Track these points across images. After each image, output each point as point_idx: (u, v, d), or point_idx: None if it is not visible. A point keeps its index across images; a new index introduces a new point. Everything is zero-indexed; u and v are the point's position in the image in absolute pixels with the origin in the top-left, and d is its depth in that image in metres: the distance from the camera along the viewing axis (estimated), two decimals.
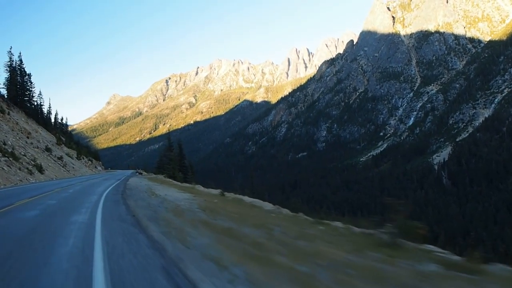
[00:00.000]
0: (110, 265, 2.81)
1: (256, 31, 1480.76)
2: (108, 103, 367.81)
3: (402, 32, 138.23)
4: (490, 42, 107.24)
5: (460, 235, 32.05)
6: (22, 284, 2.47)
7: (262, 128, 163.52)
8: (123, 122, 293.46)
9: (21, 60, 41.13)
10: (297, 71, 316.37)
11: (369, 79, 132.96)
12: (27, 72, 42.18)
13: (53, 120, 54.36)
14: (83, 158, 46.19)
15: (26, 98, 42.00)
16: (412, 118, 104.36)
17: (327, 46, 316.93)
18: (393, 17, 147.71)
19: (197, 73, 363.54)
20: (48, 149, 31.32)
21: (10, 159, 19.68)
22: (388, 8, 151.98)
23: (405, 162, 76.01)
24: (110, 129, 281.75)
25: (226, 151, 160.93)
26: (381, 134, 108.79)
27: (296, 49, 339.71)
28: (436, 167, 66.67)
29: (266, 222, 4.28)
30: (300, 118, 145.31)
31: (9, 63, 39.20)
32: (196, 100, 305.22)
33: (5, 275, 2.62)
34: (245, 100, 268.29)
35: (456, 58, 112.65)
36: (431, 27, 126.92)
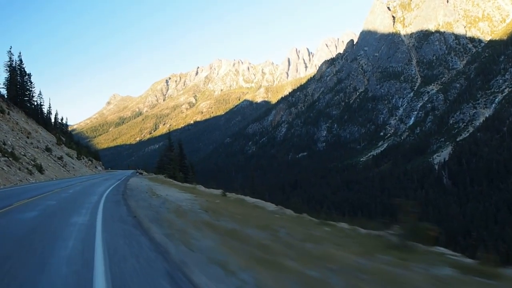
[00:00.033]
0: (111, 269, 2.71)
1: (256, 31, 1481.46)
2: (108, 103, 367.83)
3: (402, 32, 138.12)
4: (490, 41, 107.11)
5: (460, 235, 31.99)
6: None
7: (262, 128, 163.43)
8: (123, 122, 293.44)
9: (21, 60, 41.08)
10: (297, 71, 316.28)
11: (369, 79, 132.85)
12: (27, 72, 42.14)
13: (53, 120, 54.28)
14: (83, 158, 46.11)
15: (26, 98, 41.92)
16: (413, 118, 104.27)
17: (327, 46, 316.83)
18: (393, 16, 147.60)
19: (197, 73, 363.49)
20: (48, 149, 31.24)
21: (10, 159, 19.59)
22: (388, 8, 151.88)
23: (406, 162, 75.93)
24: (110, 129, 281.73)
25: (226, 151, 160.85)
26: (382, 134, 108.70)
27: (296, 49, 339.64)
28: (436, 167, 66.60)
29: (271, 223, 4.17)
30: (300, 118, 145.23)
31: (9, 63, 39.14)
32: (196, 100, 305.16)
33: (0, 281, 2.52)
34: (245, 100, 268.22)
35: (456, 58, 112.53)
36: (432, 27, 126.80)
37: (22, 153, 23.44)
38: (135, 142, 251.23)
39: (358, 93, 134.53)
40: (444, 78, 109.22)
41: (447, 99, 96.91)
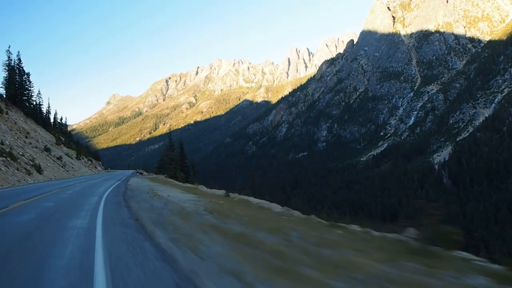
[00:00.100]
0: (113, 282, 2.45)
1: (256, 31, 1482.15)
2: (108, 103, 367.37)
3: (402, 32, 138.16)
4: (490, 41, 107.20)
5: (461, 234, 31.86)
6: None
7: (262, 128, 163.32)
8: (123, 122, 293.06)
9: (19, 59, 40.80)
10: (297, 71, 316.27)
11: (370, 79, 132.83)
12: (25, 71, 41.87)
13: (52, 120, 54.01)
14: (83, 158, 45.87)
15: (25, 98, 41.67)
16: (413, 118, 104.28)
17: (327, 46, 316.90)
18: (393, 16, 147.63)
19: (197, 73, 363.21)
20: (47, 149, 31.01)
21: (8, 159, 19.38)
22: (388, 8, 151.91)
23: (406, 162, 75.90)
24: (110, 129, 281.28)
25: (226, 151, 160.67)
26: (382, 133, 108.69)
27: (296, 49, 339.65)
28: (436, 166, 66.57)
29: (280, 226, 3.97)
30: (301, 118, 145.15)
31: (7, 62, 38.86)
32: (196, 100, 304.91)
33: None
34: (245, 100, 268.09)
35: (456, 58, 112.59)
36: (431, 27, 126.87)
37: (21, 153, 23.22)
38: (135, 142, 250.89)
39: (358, 93, 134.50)
40: (444, 78, 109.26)
41: (447, 99, 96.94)
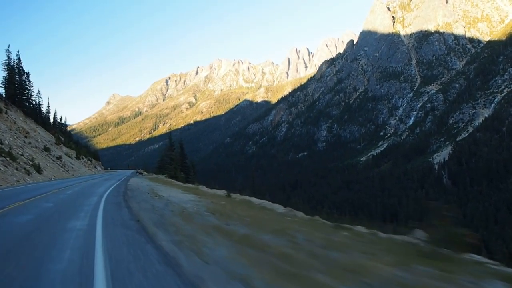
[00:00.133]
0: None
1: (256, 31, 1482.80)
2: (108, 103, 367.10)
3: (402, 32, 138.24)
4: (489, 42, 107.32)
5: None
6: None
7: (262, 128, 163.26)
8: (122, 122, 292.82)
9: (19, 59, 40.65)
10: (297, 71, 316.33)
11: (369, 79, 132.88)
12: (25, 71, 41.72)
13: (52, 120, 53.88)
14: (83, 158, 45.75)
15: (24, 97, 41.53)
16: (412, 118, 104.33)
17: (327, 46, 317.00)
18: (393, 17, 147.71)
19: (197, 73, 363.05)
20: (46, 149, 30.89)
21: (7, 159, 19.27)
22: (388, 8, 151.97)
23: (406, 162, 75.91)
24: (110, 129, 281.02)
25: (226, 151, 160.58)
26: (382, 134, 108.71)
27: (296, 49, 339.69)
28: (436, 166, 66.58)
29: (285, 228, 3.87)
30: (300, 118, 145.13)
31: (7, 61, 38.72)
32: (196, 100, 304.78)
33: None
34: (245, 100, 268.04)
35: (456, 58, 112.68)
36: (431, 27, 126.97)
37: (20, 152, 23.11)
38: (134, 142, 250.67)
39: (358, 93, 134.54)
40: (443, 78, 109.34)
41: (447, 99, 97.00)
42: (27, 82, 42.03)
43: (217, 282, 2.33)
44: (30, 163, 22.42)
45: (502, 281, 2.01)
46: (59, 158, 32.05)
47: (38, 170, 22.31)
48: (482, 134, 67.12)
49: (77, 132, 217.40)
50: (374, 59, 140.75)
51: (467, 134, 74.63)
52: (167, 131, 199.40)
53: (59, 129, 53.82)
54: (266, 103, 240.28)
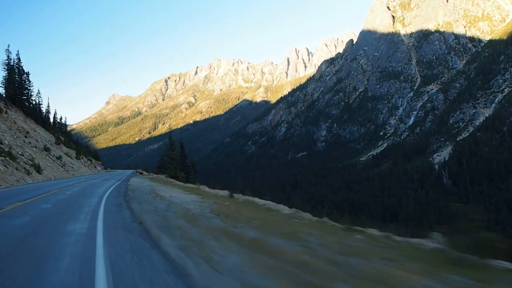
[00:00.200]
0: None
1: (255, 31, 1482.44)
2: (108, 103, 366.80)
3: (402, 32, 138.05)
4: (490, 41, 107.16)
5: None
6: None
7: (261, 127, 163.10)
8: (122, 122, 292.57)
9: (19, 59, 40.47)
10: (296, 70, 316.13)
11: (369, 79, 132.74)
12: (25, 71, 41.58)
13: (52, 120, 53.75)
14: (82, 158, 45.63)
15: (24, 97, 41.38)
16: (412, 118, 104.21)
17: (326, 46, 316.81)
18: (393, 16, 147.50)
19: (196, 73, 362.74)
20: (46, 149, 30.78)
21: (7, 158, 19.15)
22: (388, 8, 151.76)
23: (406, 162, 75.80)
24: (110, 129, 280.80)
25: (225, 151, 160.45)
26: (381, 133, 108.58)
27: (296, 49, 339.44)
28: (436, 166, 66.47)
29: (295, 231, 3.70)
30: (300, 117, 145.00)
31: (7, 61, 38.57)
32: (195, 99, 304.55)
33: None
34: (244, 100, 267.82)
35: (456, 58, 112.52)
36: (431, 27, 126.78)
37: (20, 152, 23.00)
38: (134, 142, 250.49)
39: (357, 93, 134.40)
40: (444, 78, 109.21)
41: (447, 98, 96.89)
42: (27, 82, 41.89)
43: None
44: (30, 163, 22.30)
45: None
46: (59, 158, 31.93)
47: (38, 170, 22.19)
48: (483, 133, 67.03)
49: (77, 132, 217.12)
50: (374, 59, 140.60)
51: (468, 134, 74.53)
52: (167, 131, 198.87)
53: (59, 129, 53.69)
54: (265, 103, 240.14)
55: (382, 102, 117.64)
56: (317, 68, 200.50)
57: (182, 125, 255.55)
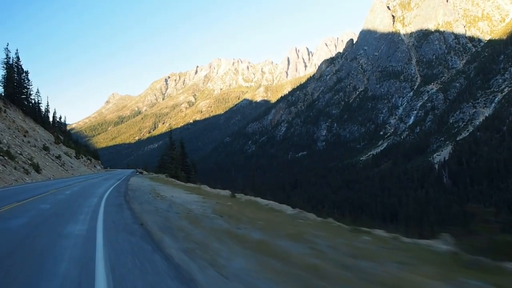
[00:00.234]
0: None
1: (255, 31, 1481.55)
2: (107, 102, 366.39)
3: (402, 31, 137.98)
4: (490, 41, 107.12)
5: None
6: None
7: (261, 127, 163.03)
8: (122, 121, 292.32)
9: (18, 57, 40.30)
10: (296, 70, 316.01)
11: (369, 78, 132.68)
12: (24, 70, 41.41)
13: (51, 119, 53.59)
14: (82, 157, 45.49)
15: (23, 96, 41.23)
16: (412, 117, 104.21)
17: (326, 46, 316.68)
18: (393, 16, 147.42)
19: (196, 72, 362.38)
20: (45, 148, 30.65)
21: (5, 158, 19.03)
22: (388, 7, 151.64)
23: (406, 161, 75.81)
24: (109, 128, 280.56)
25: (225, 150, 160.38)
26: (381, 133, 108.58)
27: (296, 48, 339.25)
28: (436, 166, 66.48)
29: (300, 232, 3.62)
30: (300, 117, 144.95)
31: (5, 60, 38.40)
32: (195, 99, 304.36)
33: None
34: (244, 99, 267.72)
35: (456, 57, 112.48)
36: (431, 26, 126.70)
37: (19, 152, 22.88)
38: (134, 141, 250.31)
39: (357, 92, 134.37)
40: (443, 78, 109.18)
41: (447, 98, 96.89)
42: (26, 81, 41.74)
43: None
44: (29, 162, 22.19)
45: None
46: (58, 157, 31.81)
47: (37, 169, 22.08)
48: (483, 133, 67.03)
49: (76, 132, 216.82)
50: (374, 58, 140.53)
51: (468, 133, 74.54)
52: (167, 130, 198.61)
53: (58, 128, 53.54)
54: (265, 102, 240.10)
55: (382, 102, 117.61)
56: (317, 67, 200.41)
57: (182, 125, 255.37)
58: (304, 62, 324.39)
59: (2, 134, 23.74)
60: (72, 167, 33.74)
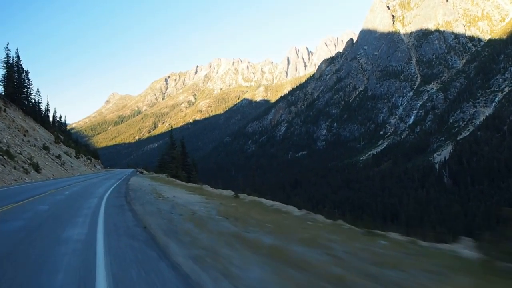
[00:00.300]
0: None
1: (255, 30, 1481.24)
2: (107, 102, 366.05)
3: (402, 31, 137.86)
4: (490, 40, 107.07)
5: (463, 234, 31.64)
6: None
7: (261, 127, 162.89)
8: (122, 121, 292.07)
9: (18, 57, 40.07)
10: (296, 70, 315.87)
11: (369, 78, 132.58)
12: (24, 69, 41.20)
13: (51, 118, 53.38)
14: (82, 157, 45.31)
15: (23, 96, 41.02)
16: (413, 117, 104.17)
17: (326, 45, 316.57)
18: (393, 15, 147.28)
19: (196, 72, 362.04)
20: (45, 148, 30.49)
21: (5, 157, 18.87)
22: (388, 7, 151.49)
23: (406, 161, 75.74)
24: (109, 128, 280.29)
25: (225, 150, 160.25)
26: (381, 133, 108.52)
27: (296, 48, 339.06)
28: (437, 166, 66.42)
29: (314, 236, 3.42)
30: (300, 117, 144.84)
31: (6, 59, 38.19)
32: (195, 98, 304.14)
33: None
34: (244, 99, 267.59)
35: (456, 57, 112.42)
36: (431, 26, 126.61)
37: (18, 151, 22.72)
38: (134, 141, 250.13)
39: (357, 92, 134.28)
40: (444, 77, 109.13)
41: (447, 98, 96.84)
42: (26, 80, 41.53)
43: None
44: (29, 162, 22.03)
45: None
46: (58, 157, 31.65)
47: (37, 169, 21.92)
48: (483, 133, 66.97)
49: (76, 131, 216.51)
50: (374, 58, 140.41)
51: (468, 133, 74.50)
52: (167, 130, 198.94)
53: (58, 128, 53.33)
54: (265, 102, 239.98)
55: (382, 101, 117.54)
56: (317, 67, 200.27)
57: (182, 124, 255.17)
58: (304, 62, 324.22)
59: (1, 134, 23.58)
60: (72, 166, 33.58)
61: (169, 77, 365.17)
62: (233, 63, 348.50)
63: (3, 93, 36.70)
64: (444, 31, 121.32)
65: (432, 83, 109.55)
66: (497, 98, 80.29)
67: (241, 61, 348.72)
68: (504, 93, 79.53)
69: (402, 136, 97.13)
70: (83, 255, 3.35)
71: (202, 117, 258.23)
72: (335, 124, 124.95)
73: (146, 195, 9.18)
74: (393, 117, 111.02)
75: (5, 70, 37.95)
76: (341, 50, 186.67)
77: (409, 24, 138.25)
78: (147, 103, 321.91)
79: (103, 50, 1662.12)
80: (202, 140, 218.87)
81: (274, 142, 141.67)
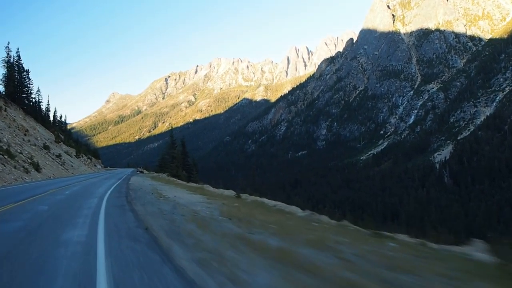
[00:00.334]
0: None
1: (255, 30, 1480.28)
2: (108, 101, 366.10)
3: (402, 30, 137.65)
4: (490, 40, 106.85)
5: (464, 234, 31.56)
6: None
7: (261, 126, 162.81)
8: (122, 120, 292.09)
9: (19, 56, 40.02)
10: (296, 69, 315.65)
11: (369, 77, 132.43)
12: (25, 69, 41.14)
13: (51, 118, 53.37)
14: (82, 156, 45.29)
15: (24, 95, 40.98)
16: (413, 117, 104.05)
17: (326, 45, 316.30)
18: (393, 15, 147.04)
19: (196, 72, 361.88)
20: (46, 147, 30.45)
21: (5, 156, 18.82)
22: (388, 6, 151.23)
23: (406, 161, 75.65)
24: (109, 128, 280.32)
25: (225, 150, 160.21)
26: (382, 132, 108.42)
27: (296, 48, 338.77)
28: (437, 165, 66.32)
29: (321, 238, 3.35)
30: (300, 116, 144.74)
31: (6, 59, 38.12)
32: (195, 98, 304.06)
33: None
34: (244, 99, 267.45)
35: (456, 56, 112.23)
36: (431, 25, 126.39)
37: (19, 150, 22.66)
38: (134, 141, 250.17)
39: (358, 92, 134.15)
40: (444, 77, 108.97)
41: (448, 97, 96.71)
42: (27, 80, 41.48)
43: None
44: (29, 161, 21.97)
45: None
46: (58, 156, 31.60)
47: (37, 168, 21.87)
48: (484, 132, 66.84)
49: (77, 131, 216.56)
50: (374, 58, 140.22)
51: (469, 132, 74.40)
52: (167, 129, 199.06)
53: (59, 127, 53.29)
54: (265, 101, 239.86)
55: (382, 101, 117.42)
56: (317, 67, 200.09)
57: (182, 124, 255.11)
58: (304, 62, 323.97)
59: (2, 133, 23.52)
60: (72, 166, 33.54)
61: (169, 76, 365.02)
62: (233, 62, 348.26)
63: (3, 93, 36.64)
64: (444, 30, 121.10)
65: (433, 82, 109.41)
66: (497, 98, 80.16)
67: (241, 61, 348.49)
68: (505, 93, 79.38)
69: (403, 136, 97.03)
70: (83, 257, 3.26)
71: (202, 117, 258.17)
72: (335, 123, 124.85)
73: (147, 195, 9.10)
74: (393, 116, 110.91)
75: (5, 70, 37.90)
76: (341, 50, 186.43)
77: (409, 24, 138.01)
78: (147, 102, 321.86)
79: (103, 50, 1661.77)
80: (202, 139, 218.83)
81: (274, 141, 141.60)
